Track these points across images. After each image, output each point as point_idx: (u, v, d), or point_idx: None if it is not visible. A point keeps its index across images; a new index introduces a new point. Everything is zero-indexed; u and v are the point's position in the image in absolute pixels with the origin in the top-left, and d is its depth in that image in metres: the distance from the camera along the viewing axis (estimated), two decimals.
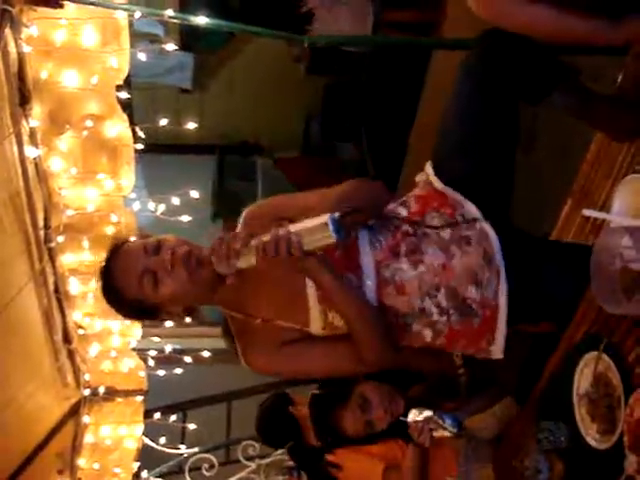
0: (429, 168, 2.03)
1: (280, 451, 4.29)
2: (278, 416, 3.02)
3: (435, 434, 2.46)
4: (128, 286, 1.89)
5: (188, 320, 2.13)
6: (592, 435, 1.79)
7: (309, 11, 5.20)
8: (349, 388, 2.69)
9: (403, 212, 1.99)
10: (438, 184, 1.99)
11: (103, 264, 1.96)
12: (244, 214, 2.03)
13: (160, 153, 5.59)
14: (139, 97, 5.44)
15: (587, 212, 1.79)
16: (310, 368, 2.05)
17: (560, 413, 1.94)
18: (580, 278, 1.77)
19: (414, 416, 2.48)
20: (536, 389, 2.18)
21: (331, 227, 1.67)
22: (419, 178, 2.06)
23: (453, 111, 2.02)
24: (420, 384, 2.79)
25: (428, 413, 2.45)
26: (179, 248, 1.87)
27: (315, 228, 1.70)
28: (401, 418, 2.58)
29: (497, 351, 1.99)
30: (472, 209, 1.95)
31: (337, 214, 1.70)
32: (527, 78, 1.95)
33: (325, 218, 1.68)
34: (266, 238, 1.71)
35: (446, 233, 1.93)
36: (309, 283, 1.90)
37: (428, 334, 1.96)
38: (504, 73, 1.91)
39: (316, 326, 1.94)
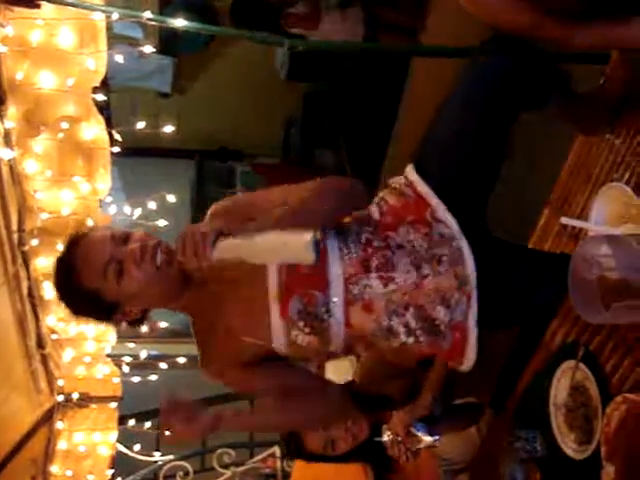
0: (412, 173, 1.95)
1: (256, 458, 4.29)
2: None
3: (413, 448, 2.45)
4: (89, 275, 1.81)
5: (143, 329, 2.08)
6: (569, 445, 1.79)
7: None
8: None
9: (375, 214, 1.94)
10: (422, 188, 1.92)
11: (61, 252, 1.88)
12: (209, 211, 1.96)
13: (139, 156, 5.57)
14: (118, 100, 5.40)
15: (565, 220, 1.79)
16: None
17: (537, 422, 1.94)
18: (556, 284, 1.76)
19: (388, 435, 2.47)
20: (513, 397, 2.18)
21: (312, 248, 1.60)
22: (395, 183, 1.99)
23: (454, 117, 1.95)
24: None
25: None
26: (149, 240, 1.81)
27: (295, 245, 1.63)
28: (375, 439, 2.57)
29: (466, 368, 1.94)
30: (451, 223, 1.89)
31: (318, 235, 1.63)
32: (535, 85, 1.93)
33: (307, 238, 1.60)
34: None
35: (421, 248, 1.87)
36: (272, 298, 1.86)
37: (396, 345, 1.92)
38: (517, 81, 1.88)
39: (279, 343, 1.89)
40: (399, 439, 2.46)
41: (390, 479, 2.71)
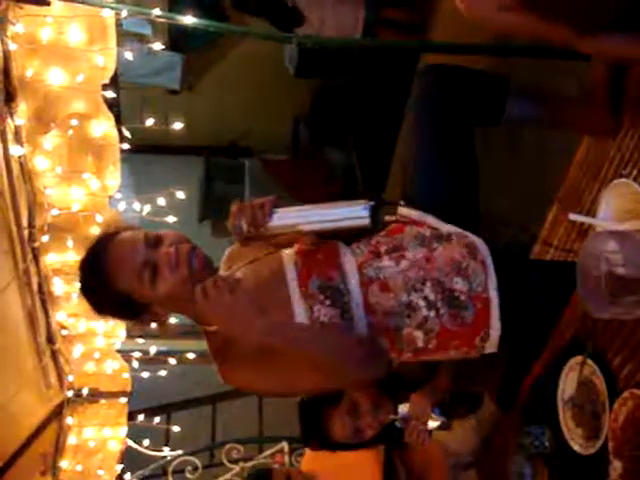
0: (402, 209, 2.05)
1: (264, 454, 4.30)
2: None
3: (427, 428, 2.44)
4: (122, 277, 1.78)
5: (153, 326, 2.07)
6: (577, 440, 1.79)
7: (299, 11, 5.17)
8: (340, 392, 2.66)
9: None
10: (415, 213, 2.02)
11: (90, 251, 1.85)
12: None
13: (148, 153, 5.58)
14: (127, 97, 5.42)
15: (573, 216, 1.79)
16: (294, 382, 1.92)
17: (545, 418, 1.94)
18: (564, 288, 1.81)
19: (401, 412, 2.46)
20: (521, 394, 2.18)
21: (367, 212, 1.76)
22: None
23: (414, 147, 2.08)
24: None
25: None
26: (182, 245, 1.79)
27: (351, 209, 1.78)
28: (391, 417, 2.56)
29: (491, 346, 1.95)
30: (451, 229, 1.98)
31: (373, 203, 1.78)
32: (478, 101, 2.05)
33: (362, 203, 1.77)
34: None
35: (426, 231, 1.95)
36: (291, 281, 1.88)
37: (419, 336, 1.91)
38: (456, 102, 1.99)
39: (301, 319, 1.88)
40: (421, 420, 2.45)
41: (399, 459, 2.72)
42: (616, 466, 1.58)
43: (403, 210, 2.04)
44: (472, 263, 1.89)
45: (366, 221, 1.76)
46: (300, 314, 1.88)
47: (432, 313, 1.89)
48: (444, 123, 2.01)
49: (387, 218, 2.06)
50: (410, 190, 2.07)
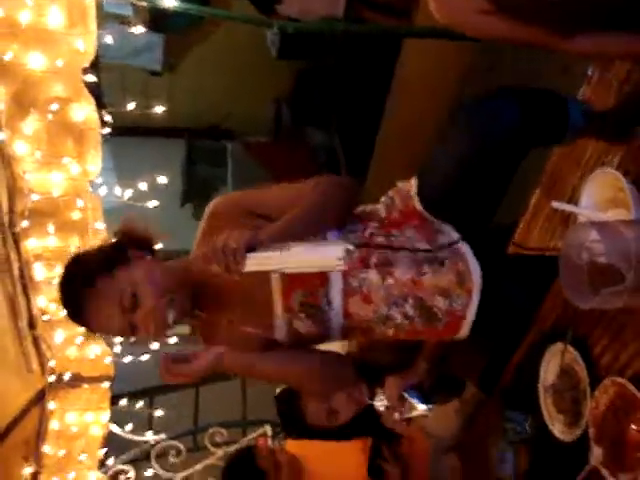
0: (414, 187, 1.98)
1: (248, 437, 4.31)
2: (245, 471, 2.80)
3: (405, 415, 2.46)
4: (101, 328, 1.91)
5: None
6: (558, 427, 1.80)
7: None
8: None
9: (382, 212, 1.97)
10: (418, 206, 1.97)
11: (66, 290, 1.89)
12: (210, 208, 1.97)
13: (128, 136, 5.53)
14: (108, 79, 5.37)
15: (556, 204, 1.79)
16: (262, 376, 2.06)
17: (526, 404, 1.95)
18: (539, 290, 1.87)
19: (381, 400, 2.47)
20: (503, 379, 2.19)
21: (344, 260, 1.64)
22: (402, 185, 2.02)
23: (463, 149, 1.89)
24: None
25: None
26: (158, 301, 1.81)
27: (328, 259, 1.67)
28: (368, 401, 2.57)
29: (461, 337, 2.00)
30: (451, 234, 1.95)
31: (350, 246, 1.70)
32: (547, 126, 1.88)
33: (340, 253, 1.64)
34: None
35: (423, 247, 1.92)
36: (275, 291, 1.89)
37: (390, 332, 1.98)
38: (527, 130, 1.84)
39: (281, 334, 1.94)
40: (389, 405, 2.47)
41: (387, 450, 2.73)
42: (597, 453, 1.60)
43: (413, 192, 1.99)
44: (458, 290, 1.91)
45: (342, 267, 1.66)
46: (280, 327, 1.93)
47: (406, 322, 1.94)
48: (506, 153, 1.88)
49: (399, 185, 2.02)
50: (433, 193, 1.96)
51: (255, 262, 1.66)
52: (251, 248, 1.66)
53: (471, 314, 1.92)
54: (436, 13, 1.72)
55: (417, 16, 4.62)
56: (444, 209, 1.94)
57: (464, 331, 1.97)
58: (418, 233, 1.93)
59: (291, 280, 1.88)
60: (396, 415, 2.48)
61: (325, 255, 1.66)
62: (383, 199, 2.01)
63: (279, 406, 2.77)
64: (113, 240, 1.93)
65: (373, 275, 1.88)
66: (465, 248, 1.93)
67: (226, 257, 1.64)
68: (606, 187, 1.63)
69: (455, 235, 1.94)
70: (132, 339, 1.97)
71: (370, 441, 2.72)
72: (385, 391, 2.50)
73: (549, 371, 1.85)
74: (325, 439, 2.72)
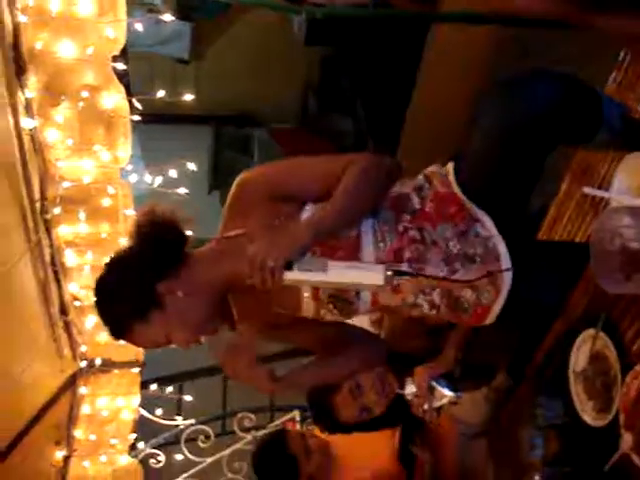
0: (451, 171, 1.92)
1: (276, 422, 4.34)
2: (276, 455, 2.80)
3: (435, 404, 2.46)
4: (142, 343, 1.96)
5: None
6: (588, 413, 1.80)
7: None
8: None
9: (416, 202, 1.93)
10: (457, 190, 1.89)
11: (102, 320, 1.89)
12: (237, 185, 1.92)
13: (157, 123, 5.56)
14: (136, 67, 5.39)
15: (587, 190, 1.78)
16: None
17: (557, 390, 1.94)
18: (569, 277, 1.85)
19: (411, 389, 2.48)
20: (533, 365, 2.19)
21: (385, 282, 1.67)
22: (437, 170, 1.95)
23: (494, 140, 1.83)
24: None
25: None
26: (191, 337, 1.87)
27: (368, 281, 1.68)
28: (398, 391, 2.58)
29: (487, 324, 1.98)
30: (488, 224, 1.88)
31: (391, 272, 1.68)
32: (582, 120, 1.83)
33: (381, 277, 1.66)
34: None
35: (455, 248, 1.86)
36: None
37: (415, 313, 1.96)
38: (565, 114, 1.77)
39: (308, 312, 1.93)
40: (419, 394, 2.47)
41: (419, 439, 2.74)
42: (627, 439, 1.59)
43: (452, 179, 1.92)
44: (488, 287, 1.87)
45: (381, 284, 1.67)
46: (307, 310, 1.92)
47: (433, 312, 1.92)
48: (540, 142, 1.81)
49: (434, 169, 1.98)
50: (471, 177, 1.90)
51: (294, 279, 1.67)
52: (289, 263, 1.65)
53: (498, 306, 1.90)
54: None
55: (444, 1, 4.60)
56: (482, 193, 1.88)
57: (490, 320, 1.95)
58: (452, 227, 1.87)
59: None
60: (426, 405, 2.49)
61: (364, 280, 1.67)
62: (418, 180, 1.95)
63: (311, 404, 2.78)
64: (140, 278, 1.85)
65: (405, 269, 1.84)
66: (501, 246, 1.89)
67: (263, 274, 1.64)
68: (638, 172, 1.62)
69: (493, 230, 1.88)
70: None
71: (400, 428, 2.72)
72: (415, 381, 2.51)
73: (580, 357, 1.84)
74: (358, 431, 2.73)
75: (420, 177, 1.95)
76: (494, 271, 1.85)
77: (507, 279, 1.87)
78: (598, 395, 1.77)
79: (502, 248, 1.86)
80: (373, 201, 1.84)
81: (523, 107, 1.75)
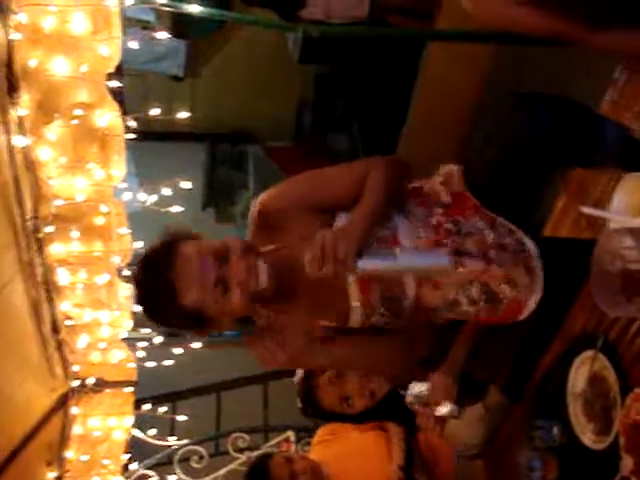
0: (457, 175, 1.99)
1: (270, 443, 4.30)
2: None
3: (440, 412, 2.43)
4: (191, 294, 1.76)
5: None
6: (587, 435, 1.79)
7: None
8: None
9: (444, 197, 1.96)
10: (472, 198, 1.97)
11: (151, 265, 1.81)
12: (257, 208, 1.92)
13: (151, 141, 5.55)
14: (131, 84, 5.37)
15: (585, 210, 1.77)
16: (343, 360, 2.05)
17: (554, 411, 1.93)
18: (565, 295, 1.88)
19: (413, 391, 2.44)
20: (530, 386, 2.17)
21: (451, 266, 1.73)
22: (450, 170, 2.02)
23: (509, 147, 1.90)
24: None
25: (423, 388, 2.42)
26: (248, 257, 1.78)
27: (436, 267, 1.74)
28: (401, 392, 2.55)
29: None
30: (504, 222, 1.95)
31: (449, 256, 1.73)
32: (577, 145, 1.88)
33: (446, 261, 1.71)
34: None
35: (489, 236, 1.91)
36: (351, 283, 1.87)
37: (452, 316, 1.99)
38: (557, 142, 1.83)
39: (355, 322, 1.93)
40: (430, 401, 2.44)
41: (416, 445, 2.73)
42: (627, 462, 1.57)
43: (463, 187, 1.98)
44: (526, 278, 1.90)
45: (447, 268, 1.72)
46: (355, 318, 1.92)
47: (472, 308, 1.93)
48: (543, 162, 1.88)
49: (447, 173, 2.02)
50: (482, 186, 1.97)
51: (367, 265, 1.69)
52: (359, 252, 1.68)
53: (532, 302, 1.91)
54: (468, 8, 1.72)
55: (440, 19, 4.61)
56: (491, 199, 1.94)
57: (524, 315, 1.97)
58: (481, 218, 1.93)
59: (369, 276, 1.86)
60: (427, 416, 2.46)
61: (433, 266, 1.73)
62: (439, 179, 2.01)
63: (300, 388, 2.80)
64: None
65: (465, 248, 1.89)
66: (525, 238, 1.93)
67: (336, 263, 1.65)
68: (637, 193, 1.60)
69: (510, 225, 1.94)
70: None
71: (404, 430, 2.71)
72: (434, 390, 2.47)
73: (578, 378, 1.83)
74: (342, 421, 2.74)
75: (439, 176, 2.02)
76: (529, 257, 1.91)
77: (539, 269, 1.91)
78: (597, 417, 1.76)
79: (527, 241, 1.92)
80: (396, 193, 1.90)
81: (537, 124, 1.82)
